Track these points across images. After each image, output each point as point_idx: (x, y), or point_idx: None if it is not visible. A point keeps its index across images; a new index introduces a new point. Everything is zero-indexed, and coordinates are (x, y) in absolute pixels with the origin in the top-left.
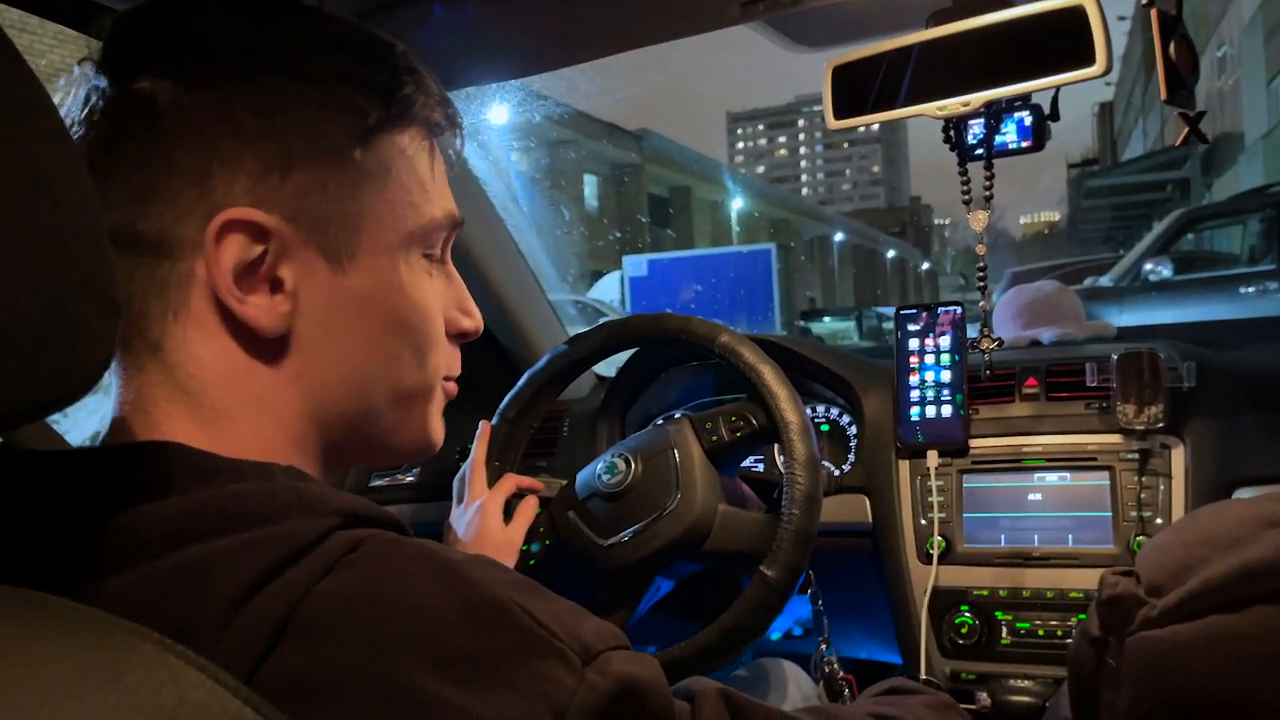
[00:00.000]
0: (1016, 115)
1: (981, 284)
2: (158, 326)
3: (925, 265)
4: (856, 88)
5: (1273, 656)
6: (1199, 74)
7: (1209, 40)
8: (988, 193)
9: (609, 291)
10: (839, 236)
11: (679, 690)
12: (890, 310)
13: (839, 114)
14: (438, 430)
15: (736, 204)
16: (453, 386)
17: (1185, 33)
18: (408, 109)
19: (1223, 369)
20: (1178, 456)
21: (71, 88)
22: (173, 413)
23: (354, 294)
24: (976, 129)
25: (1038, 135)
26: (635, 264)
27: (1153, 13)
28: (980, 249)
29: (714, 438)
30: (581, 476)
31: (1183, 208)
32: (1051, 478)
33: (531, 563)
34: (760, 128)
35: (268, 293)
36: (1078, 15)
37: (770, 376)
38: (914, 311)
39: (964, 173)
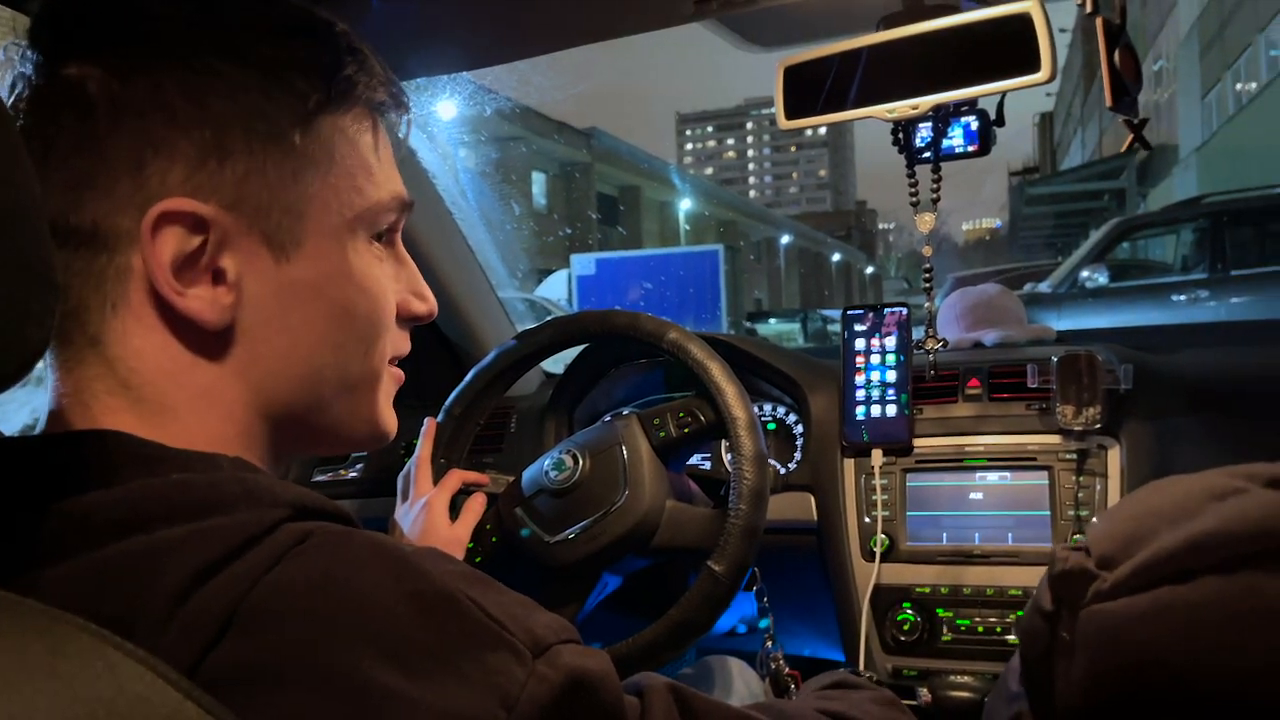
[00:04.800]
0: (963, 120)
1: (927, 286)
2: (96, 319)
3: (870, 269)
4: (808, 88)
5: (1221, 624)
6: (1142, 83)
7: (1146, 54)
8: (935, 196)
9: (556, 290)
10: (786, 239)
11: (628, 686)
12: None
13: (790, 114)
14: (389, 418)
15: (685, 204)
16: (399, 371)
17: (1129, 42)
18: (350, 90)
19: (1157, 372)
20: (1114, 457)
21: (1, 71)
22: (113, 406)
23: (300, 283)
24: (924, 132)
25: (984, 140)
26: (583, 262)
27: (1098, 21)
28: (926, 251)
29: (662, 434)
30: (529, 473)
31: (1119, 217)
32: (993, 477)
33: (478, 560)
34: (709, 129)
35: (209, 284)
36: (1024, 22)
37: (718, 373)
38: (860, 312)
39: (912, 176)
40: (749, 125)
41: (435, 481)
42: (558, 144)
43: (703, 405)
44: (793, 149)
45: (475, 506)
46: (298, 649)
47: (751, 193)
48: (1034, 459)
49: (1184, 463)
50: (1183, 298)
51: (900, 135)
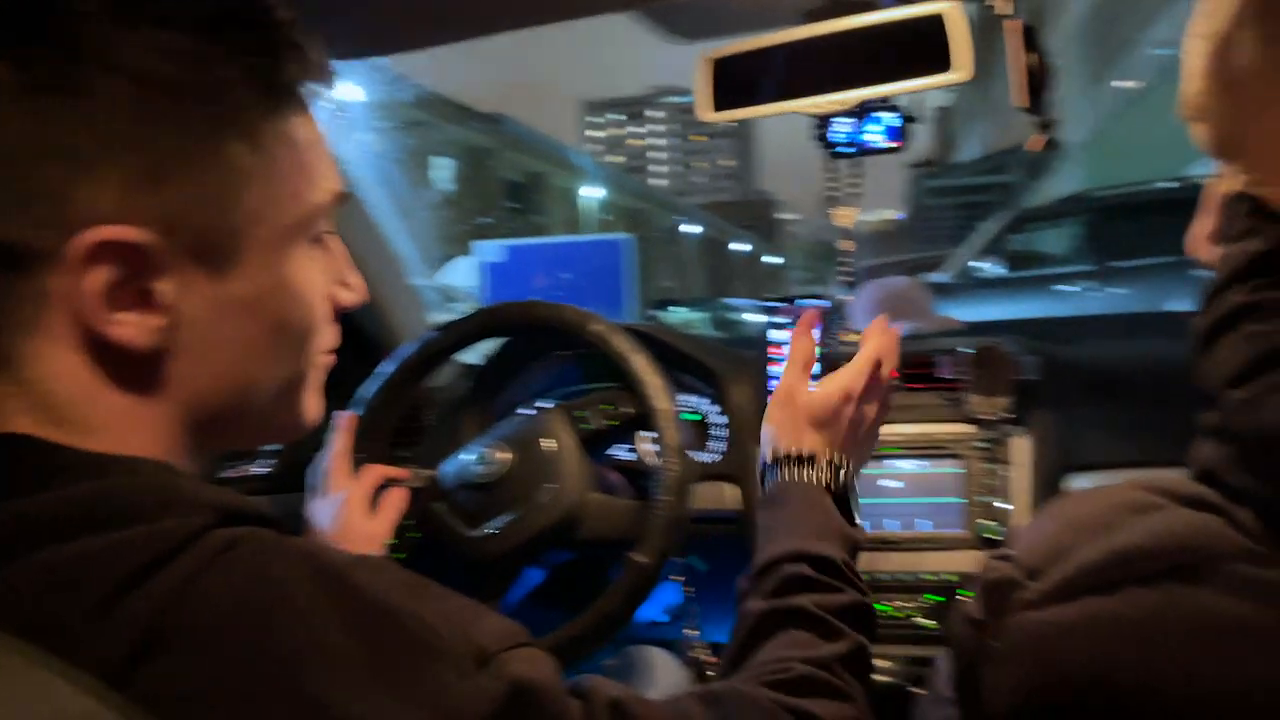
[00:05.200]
0: (883, 116)
1: (846, 278)
2: (8, 339)
3: (774, 259)
4: (731, 81)
5: (1144, 634)
6: (1052, 83)
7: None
8: (855, 190)
9: (459, 276)
10: (693, 228)
11: (572, 688)
12: (741, 302)
13: (716, 107)
14: (316, 409)
15: (593, 192)
16: (329, 358)
17: (1040, 46)
18: (292, 92)
19: (1061, 363)
20: (1022, 445)
21: None
22: (28, 424)
23: (236, 300)
24: (846, 128)
25: (904, 135)
26: (490, 249)
27: (1014, 23)
28: (848, 245)
29: (586, 426)
30: (450, 467)
31: (1011, 209)
32: (907, 465)
33: (400, 556)
34: (616, 117)
35: (139, 309)
36: (943, 23)
37: (642, 365)
38: (779, 304)
39: (832, 170)
40: (657, 114)
41: (353, 476)
42: (464, 129)
43: (627, 397)
44: (700, 138)
45: (395, 502)
46: (231, 667)
47: (659, 181)
48: (946, 447)
49: (1086, 450)
50: (1069, 289)
51: (822, 131)
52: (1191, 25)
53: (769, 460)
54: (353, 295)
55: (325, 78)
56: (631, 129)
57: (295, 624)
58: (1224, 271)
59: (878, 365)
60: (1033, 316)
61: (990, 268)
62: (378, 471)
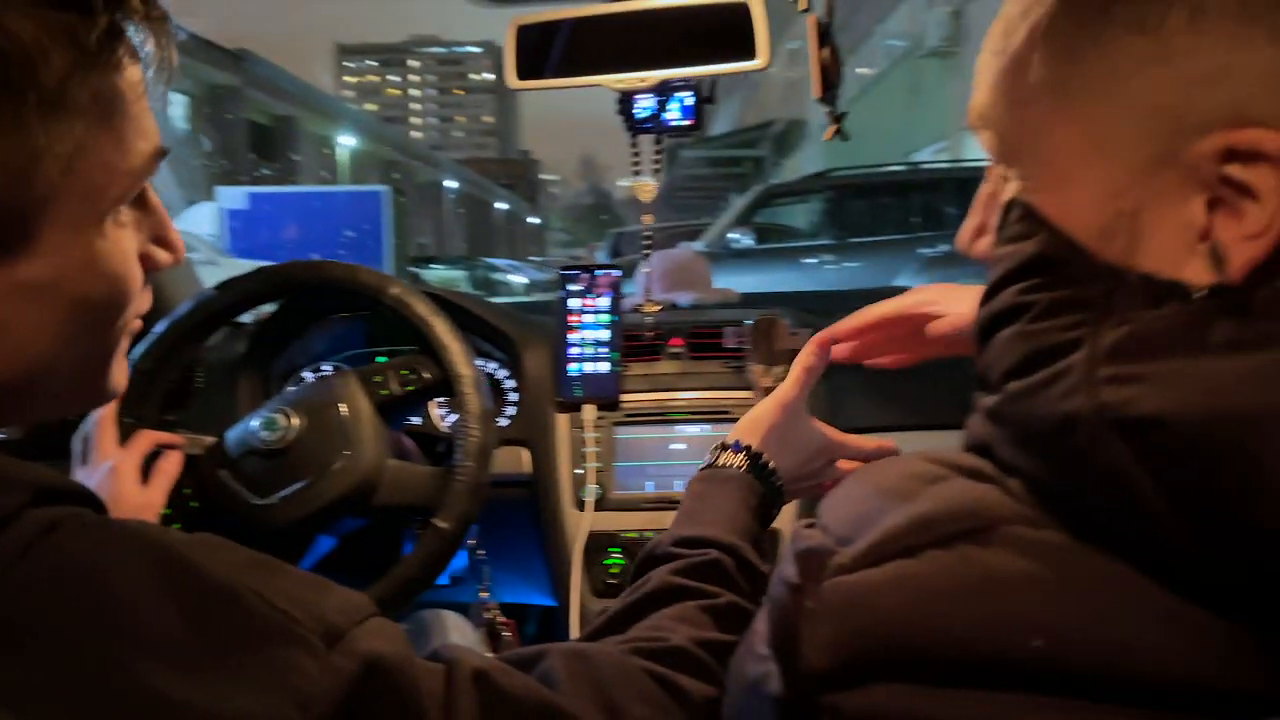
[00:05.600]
0: (680, 96)
1: (646, 250)
2: None
3: (534, 219)
4: (538, 50)
5: (944, 592)
6: (843, 77)
7: (785, 32)
8: (656, 166)
9: (198, 223)
10: (452, 184)
11: (433, 656)
12: (501, 262)
13: (520, 74)
14: (121, 377)
15: (347, 140)
16: (138, 323)
17: (834, 41)
18: (106, 51)
19: None
20: None
21: None
22: None
23: (31, 284)
24: (646, 104)
25: (699, 115)
26: (234, 195)
27: (811, 19)
28: (647, 219)
29: (384, 392)
30: (234, 433)
31: (761, 183)
32: (693, 429)
33: (175, 526)
34: (372, 63)
35: None
36: (745, 11)
37: (443, 330)
38: (575, 273)
39: (635, 145)
40: (415, 63)
41: (122, 443)
42: (202, 65)
43: (426, 363)
44: (460, 92)
45: (168, 469)
46: (63, 658)
47: (416, 133)
48: (729, 412)
49: (850, 415)
50: (813, 260)
51: (627, 107)
52: (987, 41)
53: (732, 442)
54: (168, 255)
55: (149, 23)
56: (389, 76)
57: (126, 613)
58: (999, 271)
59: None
60: (790, 290)
61: (743, 239)
62: (149, 437)
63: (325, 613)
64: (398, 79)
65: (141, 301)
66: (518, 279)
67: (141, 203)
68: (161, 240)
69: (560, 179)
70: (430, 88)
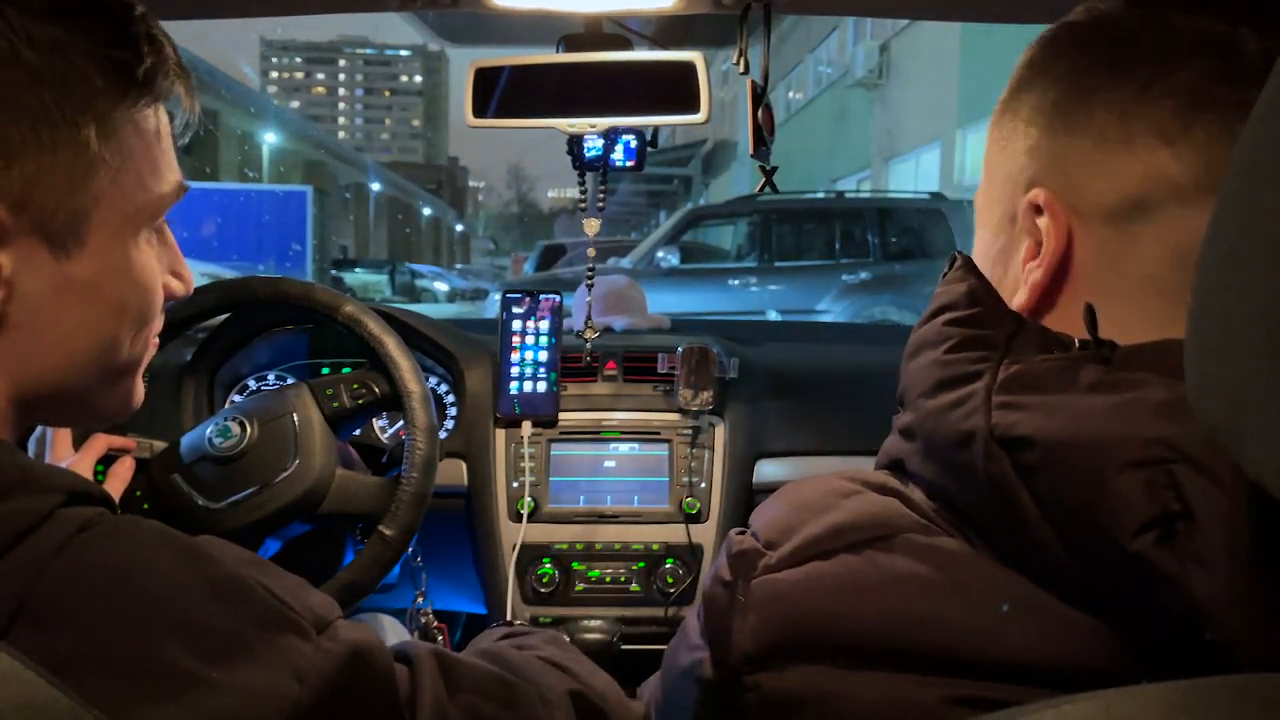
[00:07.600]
0: (625, 139)
1: (590, 281)
2: None
3: (460, 226)
4: (494, 91)
5: (852, 589)
6: (774, 134)
7: (717, 54)
8: (601, 203)
9: None
10: (376, 186)
11: (394, 652)
12: (424, 268)
13: (477, 113)
14: (140, 392)
15: (270, 138)
16: (155, 341)
17: (768, 101)
18: (148, 86)
19: (754, 363)
20: (720, 433)
21: None
22: None
23: (78, 281)
24: (594, 145)
25: (640, 157)
26: None
27: (748, 83)
28: (591, 253)
29: (335, 404)
30: (188, 439)
31: (689, 202)
32: (624, 448)
33: None
34: (297, 60)
35: None
36: (690, 70)
37: (394, 348)
38: (519, 295)
39: (582, 183)
40: (342, 63)
41: (76, 447)
42: None
43: (377, 378)
44: (387, 94)
45: (121, 472)
46: (102, 638)
47: (341, 134)
48: (658, 433)
49: (771, 439)
50: (736, 282)
51: (576, 148)
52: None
53: None
54: (181, 286)
55: (181, 77)
56: (315, 75)
57: (159, 594)
58: (933, 304)
59: None
60: (716, 310)
61: (670, 258)
62: (104, 441)
63: (313, 606)
64: (324, 77)
65: (159, 322)
66: (441, 286)
67: (161, 235)
68: (176, 273)
69: (487, 186)
70: (357, 88)
